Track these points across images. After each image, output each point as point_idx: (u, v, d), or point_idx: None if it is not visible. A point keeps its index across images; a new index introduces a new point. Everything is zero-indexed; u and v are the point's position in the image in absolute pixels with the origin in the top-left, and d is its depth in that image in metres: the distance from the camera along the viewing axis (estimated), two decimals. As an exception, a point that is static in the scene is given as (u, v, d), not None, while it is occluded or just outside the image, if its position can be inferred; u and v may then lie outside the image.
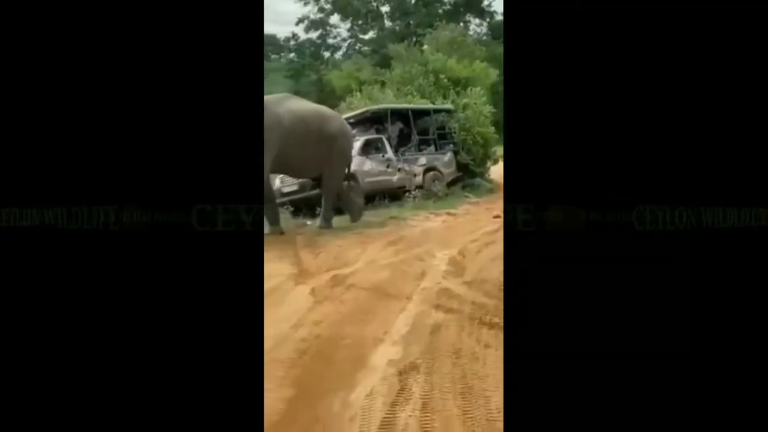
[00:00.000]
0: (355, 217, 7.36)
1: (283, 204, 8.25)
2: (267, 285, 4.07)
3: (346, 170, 7.33)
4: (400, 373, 2.35)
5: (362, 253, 5.18)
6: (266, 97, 7.11)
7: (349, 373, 2.40)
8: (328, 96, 20.41)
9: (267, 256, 5.22)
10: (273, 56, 33.25)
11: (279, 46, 33.88)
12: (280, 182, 8.72)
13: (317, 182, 7.35)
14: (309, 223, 7.60)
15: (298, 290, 3.92)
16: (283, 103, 6.57)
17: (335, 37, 32.05)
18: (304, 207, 8.34)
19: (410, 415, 2.00)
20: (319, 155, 6.61)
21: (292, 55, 32.60)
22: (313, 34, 31.60)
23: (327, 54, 31.64)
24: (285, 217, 7.76)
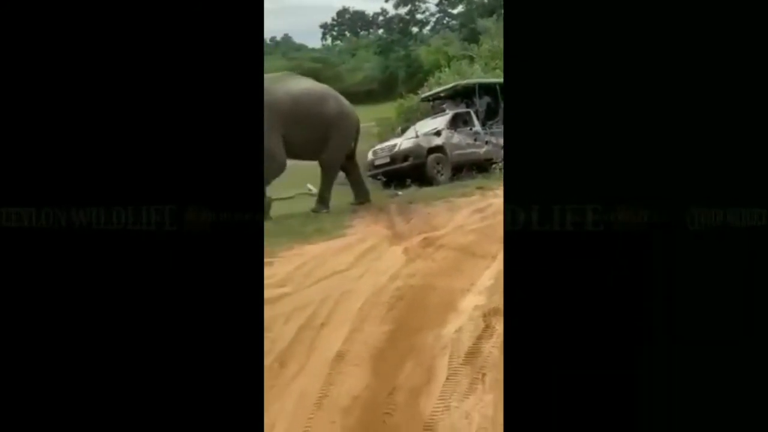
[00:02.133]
0: (362, 198, 6.98)
1: (375, 176, 8.69)
2: (364, 245, 4.50)
3: (347, 150, 6.86)
4: (485, 315, 2.66)
5: (451, 219, 5.47)
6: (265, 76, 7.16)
7: (440, 315, 2.75)
8: (416, 71, 20.60)
9: (363, 221, 5.65)
10: (362, 33, 33.74)
11: (368, 22, 34.31)
12: (372, 155, 9.16)
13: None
14: (400, 193, 7.97)
15: (393, 250, 4.30)
16: (282, 85, 6.34)
17: (424, 12, 31.98)
18: (395, 179, 8.71)
19: (493, 346, 2.32)
20: (317, 137, 6.33)
21: (380, 31, 32.89)
22: (402, 10, 31.68)
23: (415, 29, 31.64)
24: (376, 187, 8.20)
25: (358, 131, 6.95)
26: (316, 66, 23.61)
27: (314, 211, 6.43)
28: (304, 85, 6.64)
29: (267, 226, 5.63)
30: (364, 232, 5.05)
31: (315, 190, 7.90)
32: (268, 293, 3.39)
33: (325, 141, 6.38)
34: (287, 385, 2.28)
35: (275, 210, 6.35)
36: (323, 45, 33.97)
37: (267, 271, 3.96)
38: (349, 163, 6.90)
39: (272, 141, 5.81)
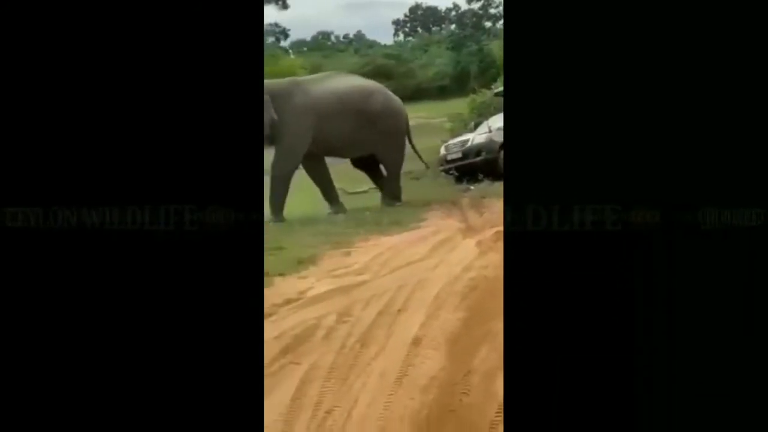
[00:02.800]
0: (394, 200, 6.64)
1: (448, 170, 8.75)
2: (438, 237, 4.61)
3: (403, 145, 6.72)
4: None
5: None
6: (303, 78, 7.03)
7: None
8: (488, 66, 20.41)
9: (437, 215, 5.75)
10: (434, 28, 33.72)
11: (440, 17, 34.26)
12: (444, 150, 9.23)
13: (369, 161, 6.77)
14: (472, 188, 8.01)
15: (466, 242, 4.38)
16: (321, 84, 6.37)
17: (497, 7, 31.52)
18: (468, 174, 8.74)
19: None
20: (362, 135, 6.22)
21: (453, 26, 32.75)
22: (475, 5, 31.37)
23: (488, 24, 31.27)
24: (449, 182, 8.26)
25: (407, 126, 6.80)
26: (388, 62, 23.84)
27: (386, 204, 6.51)
28: (350, 82, 6.68)
29: (345, 217, 5.88)
30: (437, 225, 5.15)
31: None
32: (347, 280, 3.59)
33: (373, 138, 6.29)
34: (368, 365, 2.44)
35: (350, 203, 6.56)
36: (395, 41, 34.21)
37: (346, 260, 4.17)
38: (395, 162, 6.77)
39: (298, 143, 5.92)
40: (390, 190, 6.65)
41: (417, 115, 11.48)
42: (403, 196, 6.75)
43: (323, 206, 6.37)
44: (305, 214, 6.13)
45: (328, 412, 2.04)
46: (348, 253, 4.37)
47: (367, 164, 6.76)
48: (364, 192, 7.83)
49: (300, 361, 2.43)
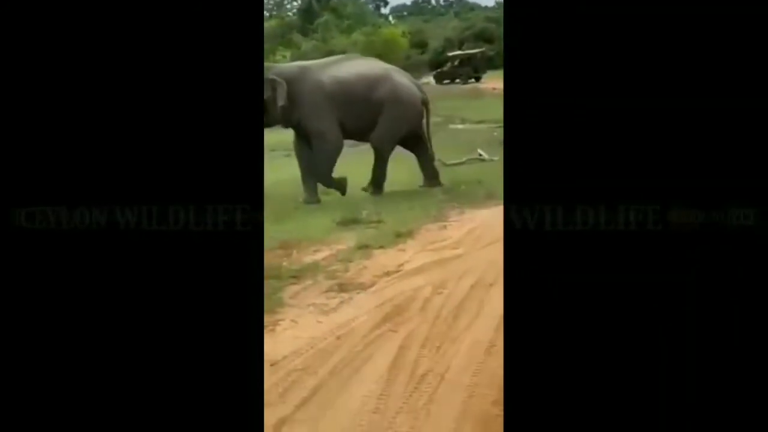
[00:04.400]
0: (431, 183, 6.31)
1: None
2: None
3: (398, 132, 6.20)
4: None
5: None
6: (315, 62, 6.59)
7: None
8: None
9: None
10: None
11: None
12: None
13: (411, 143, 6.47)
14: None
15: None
16: (330, 68, 6.16)
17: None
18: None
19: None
20: (369, 120, 5.99)
21: None
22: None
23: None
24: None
25: (420, 113, 6.34)
26: (489, 26, 23.22)
27: (371, 193, 6.13)
28: (357, 68, 6.34)
29: (440, 191, 6.01)
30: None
31: (486, 155, 8.00)
32: (443, 254, 3.77)
33: (381, 120, 6.06)
34: (460, 335, 2.63)
35: (446, 176, 6.64)
36: (496, 3, 33.02)
37: (442, 234, 4.35)
38: (416, 146, 6.39)
39: (325, 123, 5.80)
40: (426, 173, 6.37)
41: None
42: (489, 172, 6.44)
43: (419, 179, 6.47)
44: (403, 187, 6.33)
45: (423, 376, 2.26)
46: (444, 227, 4.54)
47: (411, 145, 6.50)
48: (462, 163, 7.88)
49: (398, 329, 2.66)
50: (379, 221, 4.64)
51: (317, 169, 5.84)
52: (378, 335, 2.59)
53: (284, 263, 3.63)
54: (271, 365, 2.32)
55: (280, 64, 6.73)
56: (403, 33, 17.69)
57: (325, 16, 16.52)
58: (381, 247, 3.94)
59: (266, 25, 17.06)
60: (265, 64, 5.90)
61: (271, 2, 20.42)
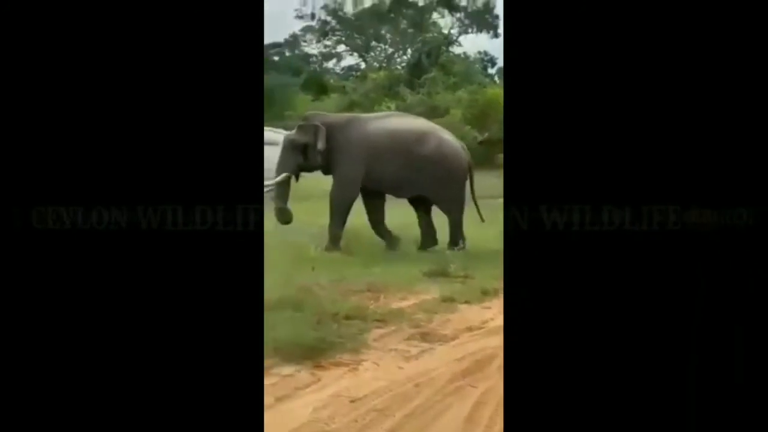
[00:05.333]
0: (458, 242, 6.00)
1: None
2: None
3: (462, 186, 6.10)
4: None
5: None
6: (365, 115, 6.77)
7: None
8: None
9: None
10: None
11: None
12: None
13: (424, 202, 6.20)
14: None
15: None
16: (379, 121, 6.22)
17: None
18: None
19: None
20: (411, 176, 5.86)
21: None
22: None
23: None
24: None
25: (463, 179, 6.17)
26: None
27: (449, 250, 5.88)
28: (405, 123, 6.38)
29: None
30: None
31: None
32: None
33: (423, 180, 5.93)
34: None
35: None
36: None
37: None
38: (455, 206, 6.12)
39: (351, 173, 5.84)
40: (452, 235, 6.08)
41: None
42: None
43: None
44: (494, 246, 6.27)
45: (498, 433, 2.27)
46: (530, 289, 4.50)
47: (422, 205, 6.26)
48: None
49: (476, 384, 2.68)
50: (465, 276, 4.68)
51: (333, 224, 5.81)
52: (456, 387, 2.62)
53: (371, 306, 3.76)
54: (351, 402, 2.41)
55: (331, 114, 6.91)
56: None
57: (433, 72, 17.02)
58: (466, 302, 3.98)
59: (374, 76, 17.67)
60: (317, 112, 6.53)
61: (382, 55, 21.06)
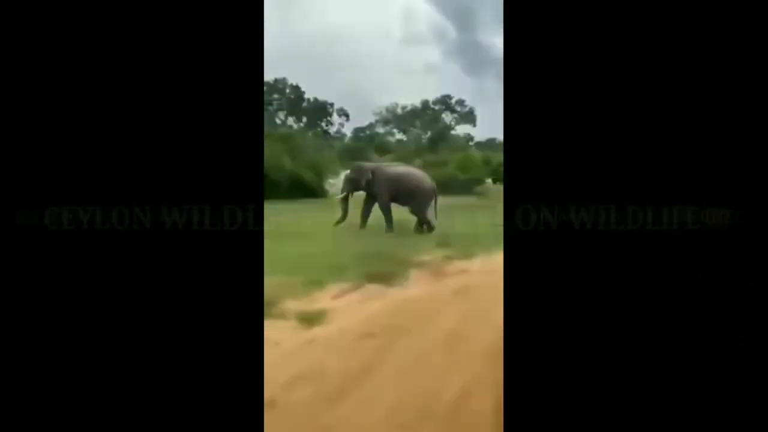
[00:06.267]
0: (429, 228, 10.33)
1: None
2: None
3: (428, 202, 10.53)
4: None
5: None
6: (384, 164, 11.66)
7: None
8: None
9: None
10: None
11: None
12: None
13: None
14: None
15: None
16: (391, 167, 11.11)
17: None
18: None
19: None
20: (407, 196, 10.44)
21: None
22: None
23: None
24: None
25: (430, 196, 10.62)
26: None
27: (416, 231, 10.24)
28: (403, 169, 11.16)
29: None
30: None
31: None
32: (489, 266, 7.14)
33: (412, 198, 10.47)
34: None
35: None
36: None
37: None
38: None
39: (384, 195, 10.44)
40: (419, 224, 10.42)
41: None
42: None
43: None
44: (460, 230, 10.01)
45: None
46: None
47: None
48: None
49: (462, 296, 6.01)
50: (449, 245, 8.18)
51: (384, 213, 10.48)
52: (453, 300, 5.51)
53: (410, 258, 7.10)
54: (404, 302, 5.63)
55: (368, 163, 11.84)
56: (483, 157, 26.24)
57: (441, 145, 31.71)
58: (459, 259, 7.38)
59: (412, 145, 28.79)
60: (360, 162, 11.81)
61: (414, 134, 38.19)
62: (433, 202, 10.89)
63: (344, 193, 10.74)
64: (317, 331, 4.04)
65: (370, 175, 10.75)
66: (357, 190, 10.79)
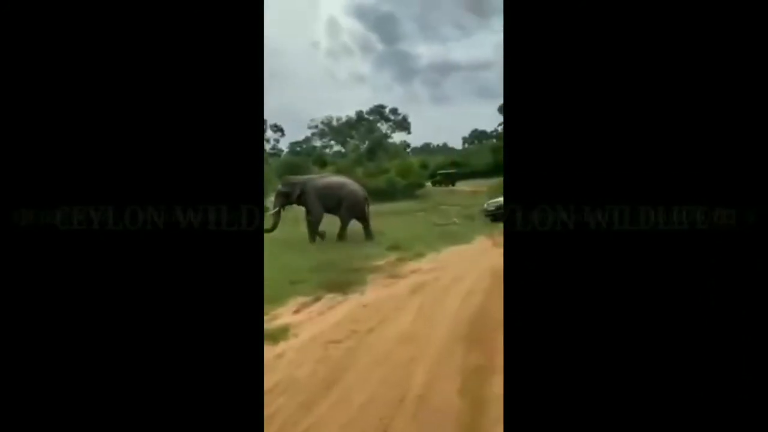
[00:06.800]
0: (368, 237, 10.71)
1: (487, 215, 12.80)
2: (482, 248, 8.42)
3: (356, 213, 10.94)
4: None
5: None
6: (315, 176, 11.72)
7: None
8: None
9: (482, 239, 9.67)
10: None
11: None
12: (486, 206, 13.30)
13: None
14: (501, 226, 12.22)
15: (497, 250, 8.08)
16: (322, 178, 11.31)
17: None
18: (498, 218, 12.79)
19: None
20: (337, 204, 10.79)
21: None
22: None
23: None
24: (488, 222, 12.29)
25: (361, 203, 10.98)
26: (457, 159, 32.06)
27: (337, 241, 10.49)
28: (333, 179, 11.46)
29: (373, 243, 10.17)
30: (482, 243, 9.05)
31: (458, 221, 12.38)
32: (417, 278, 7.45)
33: (343, 207, 10.80)
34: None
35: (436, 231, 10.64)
36: (463, 148, 43.27)
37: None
38: (361, 219, 11.01)
39: (315, 205, 10.60)
40: (342, 234, 10.77)
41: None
42: (460, 230, 11.04)
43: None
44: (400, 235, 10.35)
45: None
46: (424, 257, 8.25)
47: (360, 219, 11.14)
48: (446, 225, 12.05)
49: (416, 295, 6.27)
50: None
51: (309, 227, 10.54)
52: (410, 298, 5.79)
53: (363, 264, 7.28)
54: (364, 306, 5.68)
55: (298, 176, 11.90)
56: (420, 162, 27.66)
57: (378, 153, 31.55)
58: (410, 260, 7.63)
59: (353, 155, 29.81)
60: (292, 177, 11.68)
61: (352, 145, 38.50)
62: (366, 208, 11.16)
63: (276, 209, 10.70)
64: (283, 345, 4.14)
65: (298, 190, 10.85)
66: (289, 204, 10.89)
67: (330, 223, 10.90)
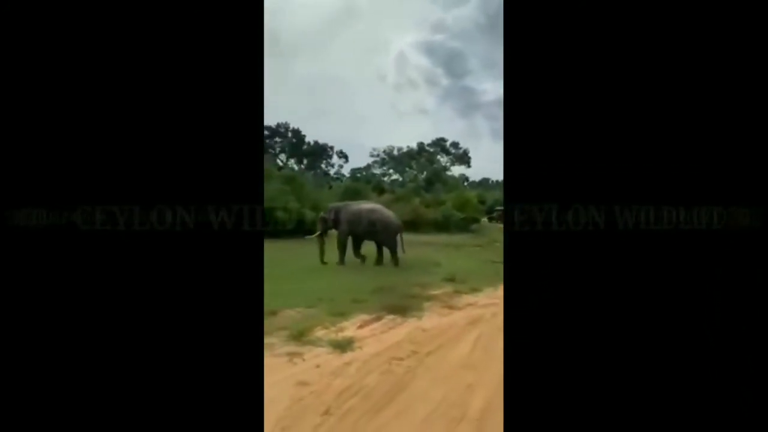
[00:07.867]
0: (395, 262, 10.99)
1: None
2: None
3: (392, 236, 11.21)
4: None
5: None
6: (350, 202, 12.29)
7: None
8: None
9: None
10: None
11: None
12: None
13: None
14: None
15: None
16: (355, 205, 11.78)
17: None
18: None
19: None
20: (370, 231, 11.20)
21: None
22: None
23: None
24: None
25: (391, 230, 11.29)
26: None
27: (377, 264, 11.07)
28: (366, 206, 11.88)
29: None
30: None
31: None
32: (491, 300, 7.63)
33: (375, 233, 11.24)
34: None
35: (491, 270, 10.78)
36: None
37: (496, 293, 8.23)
38: (390, 245, 11.37)
39: (344, 227, 11.22)
40: (392, 256, 11.09)
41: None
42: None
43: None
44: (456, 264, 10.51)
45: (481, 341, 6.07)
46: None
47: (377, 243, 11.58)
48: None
49: (475, 327, 6.48)
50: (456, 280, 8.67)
51: (338, 247, 11.20)
52: (468, 328, 6.06)
53: (421, 292, 7.57)
54: (423, 330, 6.00)
55: (339, 203, 12.63)
56: (478, 196, 28.35)
57: (437, 185, 33.60)
58: (466, 293, 7.85)
59: (412, 184, 33.87)
60: (334, 203, 12.35)
61: (412, 175, 41.70)
62: (399, 236, 11.53)
63: (318, 233, 11.47)
64: (351, 355, 4.48)
65: (332, 214, 11.51)
66: (328, 228, 11.49)
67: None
